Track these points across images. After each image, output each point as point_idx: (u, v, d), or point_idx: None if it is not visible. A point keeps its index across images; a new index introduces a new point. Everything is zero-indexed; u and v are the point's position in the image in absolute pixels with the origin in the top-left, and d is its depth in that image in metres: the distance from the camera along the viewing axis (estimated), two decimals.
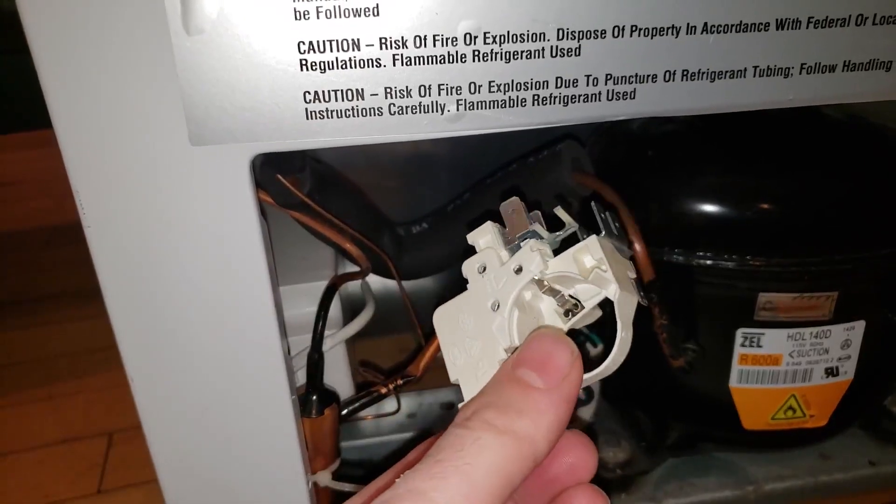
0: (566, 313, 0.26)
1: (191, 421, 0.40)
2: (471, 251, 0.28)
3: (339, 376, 0.51)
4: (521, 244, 0.27)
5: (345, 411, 0.48)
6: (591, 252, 0.26)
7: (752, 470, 0.55)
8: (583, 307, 0.26)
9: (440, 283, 0.61)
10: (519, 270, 0.26)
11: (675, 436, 0.54)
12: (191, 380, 0.39)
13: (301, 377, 0.45)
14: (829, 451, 0.57)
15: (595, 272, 0.26)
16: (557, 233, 0.27)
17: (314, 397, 0.44)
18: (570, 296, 0.26)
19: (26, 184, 1.49)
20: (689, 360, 0.47)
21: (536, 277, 0.26)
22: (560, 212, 0.28)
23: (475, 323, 0.27)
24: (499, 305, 0.26)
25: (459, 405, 0.25)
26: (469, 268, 0.28)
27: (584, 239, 0.26)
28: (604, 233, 0.27)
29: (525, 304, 0.26)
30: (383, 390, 0.48)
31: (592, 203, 0.28)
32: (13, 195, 1.45)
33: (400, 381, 0.48)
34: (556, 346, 0.23)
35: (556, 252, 0.27)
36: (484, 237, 0.29)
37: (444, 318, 0.28)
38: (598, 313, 0.27)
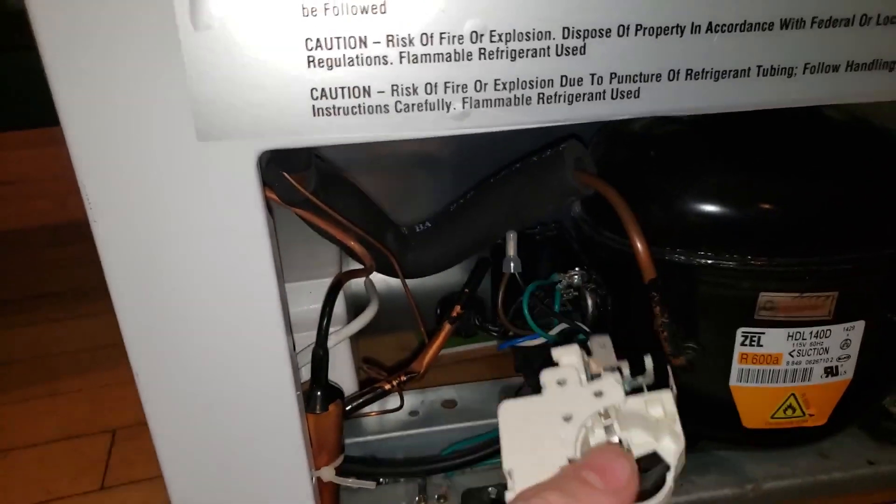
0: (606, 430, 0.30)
1: (196, 416, 0.40)
2: (548, 361, 0.33)
3: (343, 373, 0.52)
4: (603, 374, 0.32)
5: (349, 407, 0.48)
6: (664, 405, 0.30)
7: (751, 468, 0.56)
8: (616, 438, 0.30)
9: (442, 281, 0.61)
10: (599, 395, 0.31)
11: None
12: (196, 375, 0.39)
13: (305, 373, 0.45)
14: (828, 451, 0.57)
15: (664, 425, 0.30)
16: (636, 379, 0.33)
17: (318, 393, 0.45)
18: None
19: (28, 183, 1.49)
20: (690, 358, 0.47)
21: (616, 407, 0.30)
22: (648, 359, 0.35)
23: (545, 427, 0.30)
24: (572, 419, 0.30)
25: (506, 493, 0.28)
26: (549, 377, 0.32)
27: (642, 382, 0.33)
28: (675, 391, 0.31)
29: None
30: (387, 387, 0.48)
31: (669, 366, 0.34)
32: (15, 194, 1.45)
33: (403, 378, 0.48)
34: (620, 459, 0.27)
35: None
36: (568, 356, 0.33)
37: (512, 412, 0.31)
38: None
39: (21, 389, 0.78)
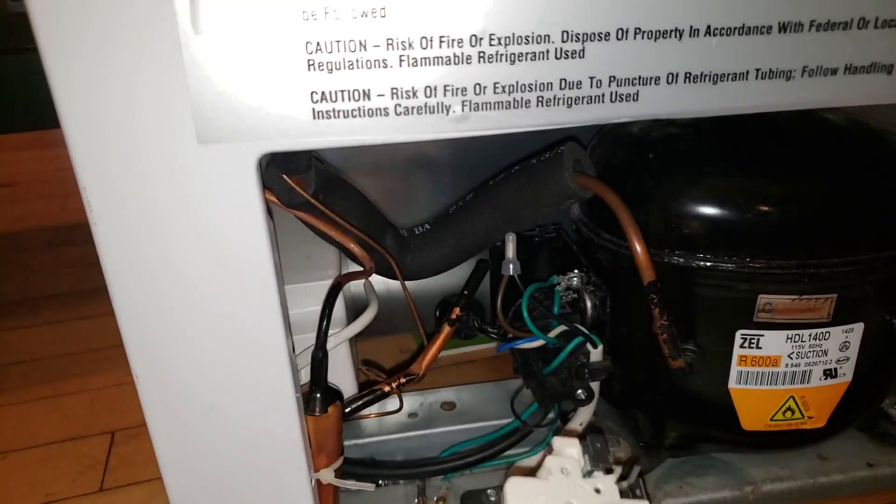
0: None
1: (195, 418, 0.40)
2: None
3: (342, 375, 0.52)
4: (599, 470, 0.38)
5: (348, 409, 0.48)
6: None
7: (750, 471, 0.56)
8: None
9: (441, 283, 0.61)
10: (598, 492, 0.37)
11: (675, 436, 0.55)
12: (196, 377, 0.39)
13: (305, 375, 0.45)
14: (827, 453, 0.57)
15: None
16: (624, 482, 0.39)
17: (318, 395, 0.45)
18: None
19: (27, 185, 1.49)
20: (689, 360, 0.47)
21: None
22: (635, 469, 0.41)
23: None
24: None
25: None
26: (553, 464, 0.38)
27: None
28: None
29: None
30: (386, 389, 0.48)
31: (642, 478, 0.41)
32: (13, 196, 1.45)
33: (403, 380, 0.48)
34: None
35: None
36: (570, 449, 0.39)
37: (518, 488, 0.37)
38: None
39: (21, 391, 0.78)
